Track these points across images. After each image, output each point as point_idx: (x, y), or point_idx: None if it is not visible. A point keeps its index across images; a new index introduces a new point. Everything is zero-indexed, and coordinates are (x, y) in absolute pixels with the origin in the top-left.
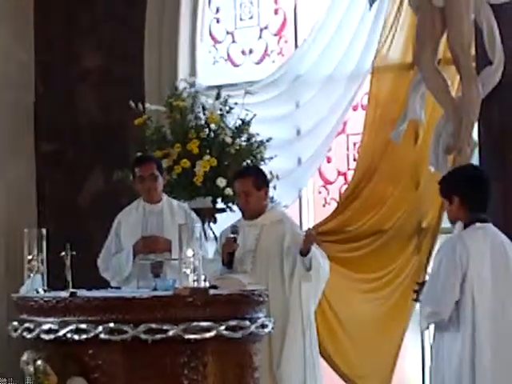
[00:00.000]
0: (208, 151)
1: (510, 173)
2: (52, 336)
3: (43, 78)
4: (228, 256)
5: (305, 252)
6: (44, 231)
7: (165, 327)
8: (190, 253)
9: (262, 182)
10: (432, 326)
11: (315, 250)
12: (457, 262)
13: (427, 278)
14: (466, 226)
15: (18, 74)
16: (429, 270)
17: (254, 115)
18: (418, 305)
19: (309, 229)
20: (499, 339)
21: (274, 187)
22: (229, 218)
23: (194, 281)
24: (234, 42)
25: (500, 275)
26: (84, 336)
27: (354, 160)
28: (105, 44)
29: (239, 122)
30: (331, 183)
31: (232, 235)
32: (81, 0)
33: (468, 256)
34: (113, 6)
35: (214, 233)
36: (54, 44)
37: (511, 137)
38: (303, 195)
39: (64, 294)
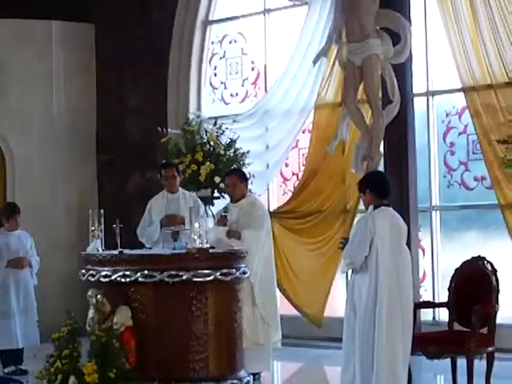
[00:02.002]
0: (208, 159)
1: (403, 174)
2: (107, 279)
3: (102, 112)
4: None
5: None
6: (102, 211)
7: (180, 273)
8: (197, 225)
9: (243, 177)
10: (350, 271)
11: (245, 232)
12: (368, 230)
13: (348, 237)
14: (375, 208)
15: (85, 109)
16: (350, 234)
17: (239, 136)
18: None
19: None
20: (392, 279)
21: (251, 183)
22: (222, 202)
23: (199, 243)
24: (225, 88)
25: (394, 240)
26: (128, 279)
27: (303, 165)
28: (142, 90)
29: (229, 140)
30: (288, 180)
31: (224, 214)
32: (127, 60)
33: (375, 227)
34: (146, 66)
35: (212, 212)
36: (110, 90)
37: (404, 150)
38: (270, 188)
39: (115, 252)
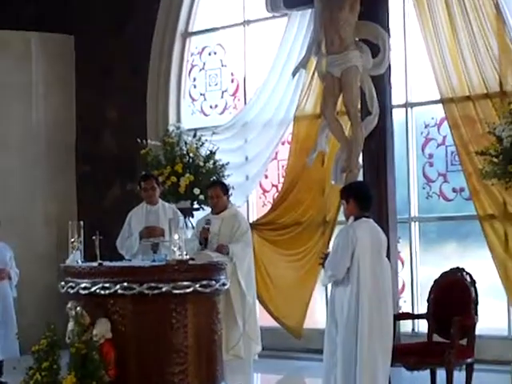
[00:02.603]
0: (188, 171)
1: (382, 185)
2: (87, 291)
3: (81, 123)
4: (203, 239)
5: (225, 253)
6: (81, 223)
7: (160, 285)
8: (176, 237)
9: (225, 189)
10: (330, 284)
11: (234, 245)
12: (349, 242)
13: (329, 251)
14: (355, 220)
15: (64, 120)
16: (330, 247)
17: (218, 148)
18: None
19: (218, 246)
20: (373, 290)
21: (231, 194)
22: (201, 213)
23: (179, 255)
24: (205, 100)
25: (375, 251)
26: (107, 291)
27: (283, 177)
28: (122, 102)
29: (208, 152)
30: (268, 192)
31: (207, 226)
32: (107, 71)
33: (356, 238)
34: (125, 77)
35: (191, 223)
36: (89, 101)
37: (383, 162)
38: (250, 199)
39: (94, 264)
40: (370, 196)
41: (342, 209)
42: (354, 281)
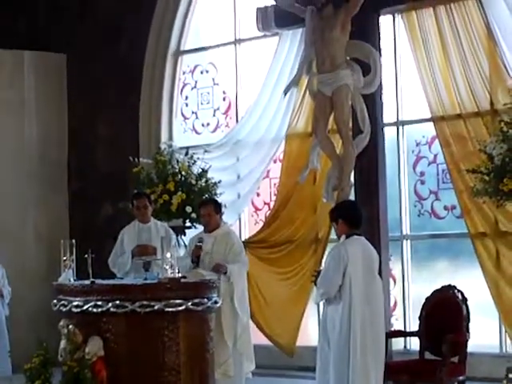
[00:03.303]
0: (180, 189)
1: (374, 203)
2: (79, 309)
3: (74, 141)
4: (196, 257)
5: (223, 273)
6: (73, 241)
7: (152, 303)
8: (168, 255)
9: (218, 208)
10: (321, 302)
11: (231, 266)
12: (341, 260)
13: (321, 268)
14: (347, 238)
15: (56, 137)
16: (322, 264)
17: (210, 166)
18: (313, 287)
19: (215, 265)
20: (365, 308)
21: (223, 212)
22: (193, 232)
23: (171, 273)
24: (197, 118)
25: (367, 269)
26: (100, 309)
27: (275, 195)
28: (114, 120)
29: (200, 170)
30: (260, 210)
31: (199, 244)
32: (99, 89)
33: (348, 256)
34: (117, 95)
35: (184, 242)
36: (81, 119)
37: (374, 180)
38: (242, 217)
39: (87, 282)
40: (358, 214)
41: (333, 227)
42: (346, 298)
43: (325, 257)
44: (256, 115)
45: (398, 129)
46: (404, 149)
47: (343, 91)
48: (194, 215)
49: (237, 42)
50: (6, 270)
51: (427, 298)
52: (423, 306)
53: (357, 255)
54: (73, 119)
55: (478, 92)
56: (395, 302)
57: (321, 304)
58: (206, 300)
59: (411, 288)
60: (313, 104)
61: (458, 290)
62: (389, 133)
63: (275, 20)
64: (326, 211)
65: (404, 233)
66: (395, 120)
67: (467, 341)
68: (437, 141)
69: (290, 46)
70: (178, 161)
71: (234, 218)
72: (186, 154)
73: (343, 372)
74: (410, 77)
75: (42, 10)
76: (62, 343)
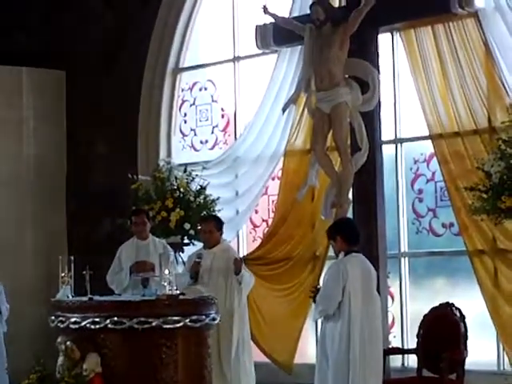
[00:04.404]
0: (178, 206)
1: (372, 220)
2: (77, 326)
3: (72, 158)
4: (195, 273)
5: (237, 272)
6: (72, 258)
7: (150, 320)
8: (166, 272)
9: (219, 225)
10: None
11: (244, 270)
12: (340, 277)
13: (320, 285)
14: (346, 255)
15: (55, 155)
16: (321, 282)
17: (208, 183)
18: (312, 304)
19: (236, 258)
20: (364, 325)
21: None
22: (191, 249)
23: (169, 290)
24: (195, 135)
25: (365, 286)
26: (97, 326)
27: (273, 212)
28: (113, 137)
29: (199, 187)
30: (258, 227)
31: (198, 260)
32: (98, 106)
33: (347, 273)
34: (116, 113)
35: (182, 258)
36: (80, 136)
37: (373, 197)
38: (240, 234)
39: (84, 298)
40: (356, 231)
41: (331, 244)
42: (345, 315)
43: (323, 274)
44: (254, 132)
45: (396, 146)
46: (402, 166)
47: (341, 109)
48: (192, 232)
49: (235, 59)
50: (4, 286)
51: (425, 316)
52: (421, 323)
53: (356, 272)
54: (71, 137)
55: (476, 110)
56: (393, 320)
57: (319, 322)
58: (203, 317)
59: (409, 305)
60: (311, 121)
61: (456, 308)
62: (387, 150)
63: (274, 38)
64: (324, 228)
65: (402, 250)
66: (393, 137)
67: (465, 358)
68: (435, 158)
69: (288, 63)
70: (176, 178)
71: (233, 234)
72: (185, 170)
73: None
74: (409, 94)
75: (40, 26)
76: (60, 360)
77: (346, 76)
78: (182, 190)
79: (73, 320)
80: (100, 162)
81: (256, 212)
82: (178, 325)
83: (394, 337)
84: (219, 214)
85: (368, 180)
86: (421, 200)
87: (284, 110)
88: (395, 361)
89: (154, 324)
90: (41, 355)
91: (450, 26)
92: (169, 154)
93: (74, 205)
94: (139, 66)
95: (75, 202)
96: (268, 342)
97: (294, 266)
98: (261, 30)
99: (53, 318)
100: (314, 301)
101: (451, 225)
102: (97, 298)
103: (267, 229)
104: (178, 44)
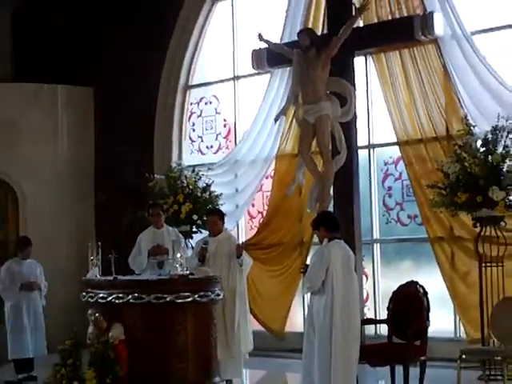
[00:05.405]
0: (188, 200)
1: (350, 213)
2: (104, 300)
3: (100, 160)
4: (202, 257)
5: (238, 255)
6: (99, 244)
7: (165, 296)
8: (178, 255)
9: (222, 217)
10: (308, 294)
11: (244, 254)
12: (324, 260)
13: (308, 263)
14: (329, 241)
15: (85, 158)
16: (308, 262)
17: (213, 181)
18: (299, 283)
19: (238, 244)
20: (344, 299)
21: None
22: (199, 236)
23: (181, 271)
24: (202, 141)
25: (345, 267)
26: (121, 300)
27: (267, 205)
28: (133, 142)
29: (205, 184)
30: (254, 218)
31: (204, 245)
32: (121, 117)
33: (330, 257)
34: (136, 123)
35: (191, 244)
36: (106, 142)
37: (350, 193)
38: (239, 224)
39: (110, 277)
40: (335, 221)
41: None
42: (328, 291)
43: (309, 257)
44: (251, 139)
45: (369, 151)
46: (374, 167)
47: (324, 119)
48: (199, 222)
49: (236, 78)
50: (43, 267)
51: (394, 292)
52: (391, 298)
53: (337, 256)
54: (98, 143)
55: (436, 120)
56: (367, 295)
57: (306, 296)
58: (210, 293)
59: (381, 283)
60: (299, 130)
61: (420, 285)
62: (362, 154)
63: (267, 60)
64: (309, 219)
65: (374, 237)
66: (367, 143)
67: (427, 327)
68: (401, 161)
69: (279, 81)
70: (186, 177)
71: (233, 224)
72: (193, 171)
73: (326, 351)
74: (380, 107)
75: (72, 48)
76: (90, 329)
77: (328, 92)
78: (190, 187)
79: (100, 295)
80: (123, 163)
81: (253, 205)
82: (188, 300)
83: (368, 309)
84: (222, 208)
85: (346, 179)
86: (390, 195)
87: (276, 121)
88: (369, 330)
89: (168, 299)
90: (74, 325)
91: (415, 50)
92: (180, 157)
93: (101, 199)
94: (155, 83)
95: (102, 197)
96: (263, 313)
97: (285, 250)
98: (256, 54)
99: (84, 293)
100: (304, 274)
101: (415, 216)
102: (120, 277)
103: (262, 219)
104: (188, 65)
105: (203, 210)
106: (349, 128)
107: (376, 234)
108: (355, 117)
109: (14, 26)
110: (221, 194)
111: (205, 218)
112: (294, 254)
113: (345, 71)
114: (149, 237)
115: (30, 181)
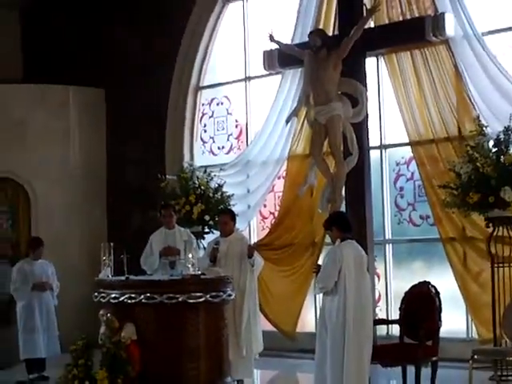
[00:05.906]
0: (200, 201)
1: (362, 213)
2: (116, 300)
3: (111, 161)
4: (213, 257)
5: (249, 256)
6: (111, 244)
7: (177, 296)
8: (190, 256)
9: (233, 217)
10: (321, 294)
11: (256, 255)
12: (337, 260)
13: (320, 263)
14: (341, 241)
15: (96, 158)
16: (320, 262)
17: (225, 182)
18: (311, 283)
19: (249, 244)
20: (357, 300)
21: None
22: (211, 236)
23: (192, 271)
24: (214, 142)
25: (358, 267)
26: (133, 300)
27: (279, 206)
28: (145, 144)
29: (217, 185)
30: (266, 218)
31: (216, 246)
32: (132, 118)
33: (342, 257)
34: (148, 124)
35: (203, 245)
36: (117, 142)
37: (362, 194)
38: (251, 224)
39: (122, 278)
40: (348, 221)
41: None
42: (341, 292)
43: (320, 258)
44: (263, 140)
45: (381, 151)
46: (386, 168)
47: (335, 120)
48: (211, 223)
49: (247, 79)
50: (55, 267)
51: (406, 292)
52: (402, 298)
53: (350, 256)
54: (110, 143)
55: (448, 121)
56: (379, 295)
57: (318, 297)
58: (221, 293)
59: (393, 284)
60: (310, 131)
61: (432, 285)
62: (374, 154)
63: (279, 61)
64: (321, 220)
65: (387, 237)
66: (379, 144)
67: (439, 328)
68: (413, 161)
69: (291, 82)
70: (198, 177)
71: (245, 225)
72: (205, 171)
73: (339, 351)
74: (391, 108)
75: (84, 49)
76: (102, 329)
77: (339, 93)
78: (202, 187)
79: (112, 296)
80: (134, 164)
81: (264, 206)
82: (200, 300)
83: (380, 310)
84: (234, 208)
85: (358, 179)
86: (402, 196)
87: (287, 122)
88: (381, 330)
89: (180, 299)
90: (86, 325)
91: (426, 51)
92: (191, 158)
93: (113, 200)
94: (166, 84)
95: (114, 198)
96: (275, 314)
97: (296, 250)
98: (267, 55)
99: (96, 294)
100: (317, 274)
101: (427, 217)
102: (132, 277)
103: (274, 220)
104: (199, 66)
105: (215, 211)
106: (360, 128)
107: (388, 235)
108: (367, 117)
109: (23, 26)
110: (233, 195)
111: (216, 219)
112: (306, 255)
113: (356, 72)
114: (160, 237)
115: (42, 181)
